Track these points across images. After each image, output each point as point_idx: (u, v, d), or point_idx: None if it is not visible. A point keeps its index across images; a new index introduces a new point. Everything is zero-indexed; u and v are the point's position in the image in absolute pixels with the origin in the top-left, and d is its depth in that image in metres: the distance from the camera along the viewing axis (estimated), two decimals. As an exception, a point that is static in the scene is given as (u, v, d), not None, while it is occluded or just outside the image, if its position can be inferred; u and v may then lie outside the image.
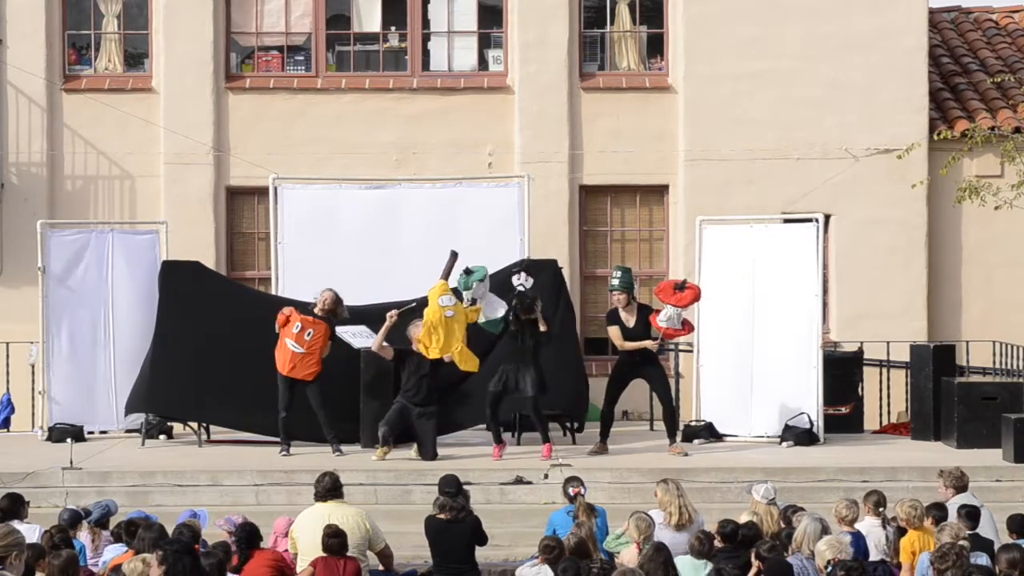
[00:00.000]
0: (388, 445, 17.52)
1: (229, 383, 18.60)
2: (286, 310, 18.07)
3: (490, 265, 18.46)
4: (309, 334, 17.95)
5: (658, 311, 18.21)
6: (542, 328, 17.61)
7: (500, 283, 18.18)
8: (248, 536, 12.05)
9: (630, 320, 18.13)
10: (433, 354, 17.62)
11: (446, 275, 17.95)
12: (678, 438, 18.47)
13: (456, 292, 17.89)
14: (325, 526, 12.20)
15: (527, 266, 18.43)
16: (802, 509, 13.08)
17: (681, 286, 18.20)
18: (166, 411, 19.35)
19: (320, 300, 18.10)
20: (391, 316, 17.82)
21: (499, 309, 17.82)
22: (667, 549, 11.18)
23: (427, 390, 17.68)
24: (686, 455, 17.96)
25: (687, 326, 18.32)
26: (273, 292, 19.93)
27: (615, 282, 18.31)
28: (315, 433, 18.29)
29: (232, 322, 18.87)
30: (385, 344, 17.88)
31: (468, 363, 17.73)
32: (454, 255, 17.99)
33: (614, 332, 18.20)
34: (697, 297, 18.30)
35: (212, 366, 18.65)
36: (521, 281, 18.05)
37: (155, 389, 18.84)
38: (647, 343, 18.07)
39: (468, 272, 17.79)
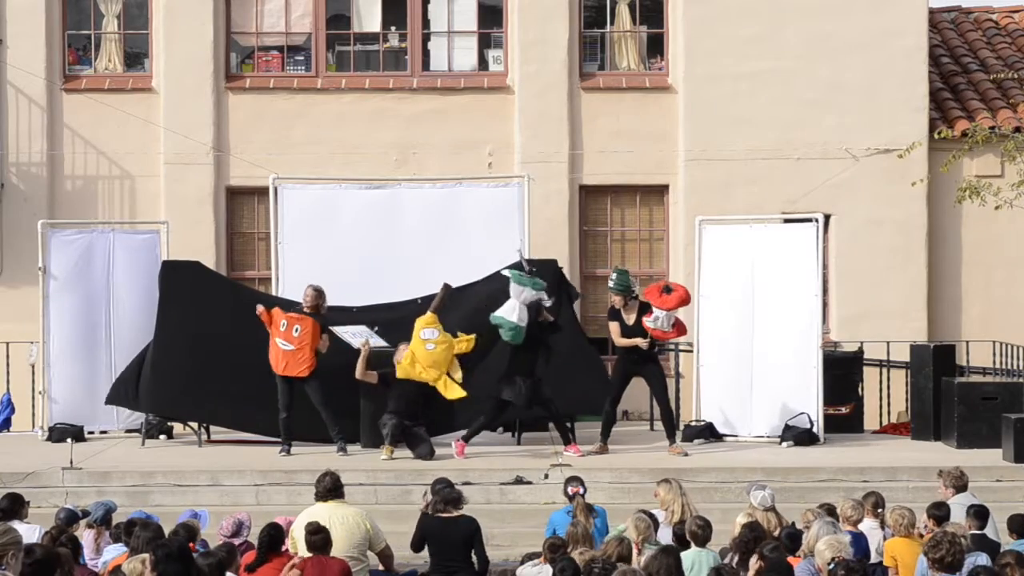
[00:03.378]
0: (393, 444, 17.66)
1: (229, 383, 18.60)
2: (267, 309, 18.12)
3: (489, 265, 18.50)
4: (296, 330, 18.02)
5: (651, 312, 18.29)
6: (550, 318, 17.76)
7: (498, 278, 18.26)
8: (271, 540, 12.01)
9: (629, 318, 18.22)
10: (427, 379, 17.71)
11: (436, 308, 17.95)
12: (678, 438, 18.49)
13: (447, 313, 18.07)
14: (307, 524, 12.14)
15: (523, 262, 18.50)
16: (831, 510, 13.02)
17: (668, 289, 18.25)
18: (166, 411, 19.35)
19: (304, 296, 18.18)
20: (364, 346, 17.96)
21: (523, 318, 17.76)
22: (676, 551, 11.11)
23: (414, 408, 17.74)
24: (686, 455, 17.97)
25: (678, 328, 18.32)
26: (273, 292, 19.91)
27: (611, 284, 18.49)
28: (318, 433, 18.30)
29: (232, 322, 18.85)
30: (370, 372, 17.95)
31: (452, 392, 17.71)
32: (447, 288, 18.02)
33: (614, 328, 18.31)
34: (683, 301, 18.24)
35: (212, 366, 18.65)
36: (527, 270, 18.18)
37: (155, 389, 18.84)
38: (637, 341, 18.13)
39: (530, 273, 17.86)
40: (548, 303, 18.00)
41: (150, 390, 18.87)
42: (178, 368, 18.73)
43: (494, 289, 18.35)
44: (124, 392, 19.23)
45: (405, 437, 17.77)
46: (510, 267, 18.27)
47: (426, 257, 19.47)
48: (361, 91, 22.85)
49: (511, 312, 17.77)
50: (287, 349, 18.00)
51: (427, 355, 17.69)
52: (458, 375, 17.75)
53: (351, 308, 18.70)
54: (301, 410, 18.12)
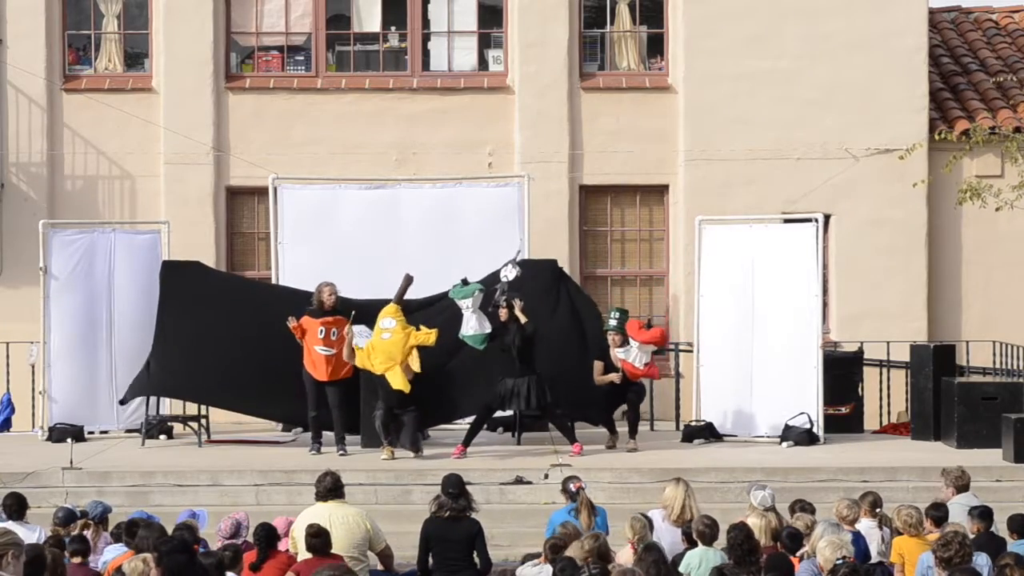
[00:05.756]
0: (393, 445, 17.68)
1: (231, 381, 18.63)
2: (296, 321, 18.04)
3: (489, 264, 18.47)
4: (334, 334, 18.06)
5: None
6: (522, 320, 17.64)
7: (493, 278, 18.23)
8: (267, 536, 12.09)
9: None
10: (378, 371, 17.73)
11: (397, 299, 18.03)
12: (635, 439, 18.59)
13: (407, 309, 18.09)
14: (307, 526, 12.18)
15: (518, 261, 18.42)
16: (807, 507, 13.06)
17: (649, 324, 18.55)
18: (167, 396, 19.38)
19: (326, 296, 18.11)
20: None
21: (486, 326, 17.85)
22: (658, 548, 11.12)
23: (402, 397, 17.72)
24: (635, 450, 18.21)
25: (650, 369, 18.48)
26: (273, 292, 19.95)
27: (612, 323, 18.54)
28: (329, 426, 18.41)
29: (234, 321, 18.82)
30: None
31: (397, 382, 17.64)
32: (408, 278, 18.08)
33: (598, 366, 18.49)
34: (658, 340, 18.52)
35: (213, 365, 18.64)
36: (506, 272, 18.10)
37: (155, 388, 18.84)
38: (611, 376, 18.36)
39: (465, 283, 17.87)
40: (502, 297, 17.84)
41: (150, 389, 18.88)
42: (178, 369, 18.72)
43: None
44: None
45: (396, 426, 17.80)
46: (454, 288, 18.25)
47: (426, 257, 19.46)
48: (361, 91, 22.85)
49: (467, 325, 17.87)
50: (329, 354, 18.02)
51: (382, 344, 17.74)
52: (415, 365, 17.69)
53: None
54: (322, 406, 18.23)
